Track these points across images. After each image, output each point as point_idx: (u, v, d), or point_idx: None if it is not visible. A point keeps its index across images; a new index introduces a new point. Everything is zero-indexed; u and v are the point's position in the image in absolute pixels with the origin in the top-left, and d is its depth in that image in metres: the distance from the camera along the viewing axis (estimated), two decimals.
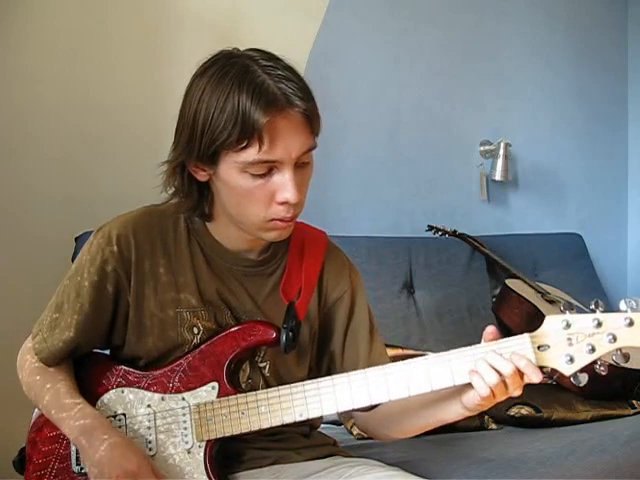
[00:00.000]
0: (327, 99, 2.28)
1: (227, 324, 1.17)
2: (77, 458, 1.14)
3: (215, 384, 1.14)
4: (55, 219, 2.03)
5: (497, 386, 0.98)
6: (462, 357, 1.02)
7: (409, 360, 1.05)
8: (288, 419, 1.09)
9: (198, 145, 1.07)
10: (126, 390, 1.16)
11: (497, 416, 1.86)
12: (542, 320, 1.01)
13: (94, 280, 1.14)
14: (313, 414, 1.08)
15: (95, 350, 1.23)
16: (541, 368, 0.99)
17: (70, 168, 2.07)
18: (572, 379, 0.99)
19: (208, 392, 1.14)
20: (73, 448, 1.15)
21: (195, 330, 1.16)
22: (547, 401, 1.87)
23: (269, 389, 1.11)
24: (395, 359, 1.09)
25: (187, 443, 1.13)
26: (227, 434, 1.11)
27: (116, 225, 1.16)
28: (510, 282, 2.33)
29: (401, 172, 2.58)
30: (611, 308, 0.99)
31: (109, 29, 2.12)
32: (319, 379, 1.09)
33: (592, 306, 0.99)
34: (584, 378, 0.98)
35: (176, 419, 1.14)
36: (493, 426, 1.84)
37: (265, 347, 1.18)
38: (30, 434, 1.21)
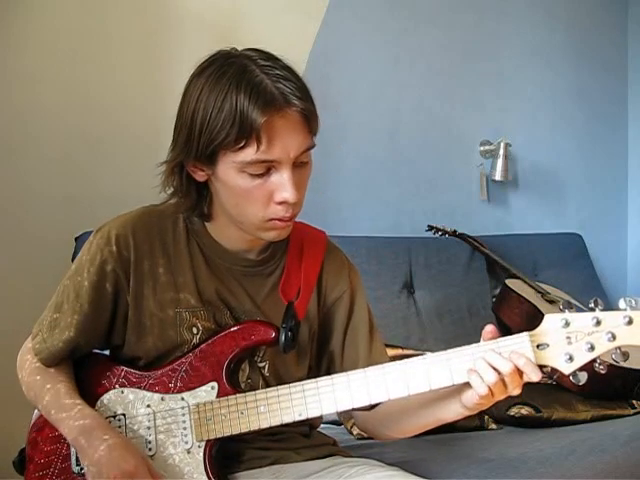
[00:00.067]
0: (327, 99, 2.31)
1: (226, 324, 1.17)
2: (77, 459, 1.14)
3: (214, 384, 1.14)
4: (55, 219, 2.03)
5: (496, 385, 0.98)
6: (461, 356, 1.02)
7: (408, 359, 1.05)
8: (287, 419, 1.09)
9: (196, 145, 1.07)
10: (126, 390, 1.16)
11: (497, 416, 1.86)
12: (542, 320, 1.01)
13: (94, 280, 1.14)
14: (312, 414, 1.09)
15: (95, 351, 1.23)
16: (541, 368, 0.99)
17: (70, 168, 2.07)
18: (571, 378, 0.98)
19: (207, 392, 1.14)
20: (73, 449, 1.15)
21: (194, 330, 1.16)
22: (547, 401, 1.87)
23: (268, 389, 1.11)
24: (395, 359, 1.09)
25: (187, 443, 1.13)
26: (226, 434, 1.11)
27: (115, 225, 1.16)
28: (510, 282, 2.33)
29: (401, 172, 2.58)
30: (611, 308, 0.99)
31: (109, 29, 2.12)
32: (318, 379, 1.09)
33: (591, 305, 0.99)
34: (583, 377, 0.98)
35: (176, 419, 1.14)
36: (493, 426, 1.84)
37: (264, 347, 1.18)
38: (31, 434, 1.21)
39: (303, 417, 1.09)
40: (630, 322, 0.95)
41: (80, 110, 2.08)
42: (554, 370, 0.99)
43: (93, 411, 1.13)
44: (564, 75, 2.91)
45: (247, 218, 1.11)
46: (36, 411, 1.22)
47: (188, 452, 1.12)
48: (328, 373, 1.19)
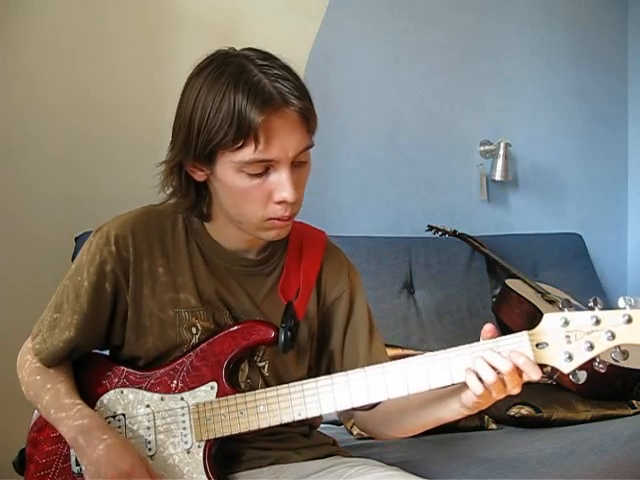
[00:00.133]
0: (327, 99, 2.31)
1: (225, 324, 1.17)
2: (77, 459, 1.14)
3: (214, 384, 1.14)
4: (55, 219, 2.03)
5: (495, 384, 0.98)
6: (460, 355, 1.02)
7: (407, 358, 1.05)
8: (287, 418, 1.09)
9: (195, 145, 1.07)
10: (126, 390, 1.16)
11: (497, 416, 1.86)
12: (541, 319, 1.01)
13: (93, 280, 1.14)
14: (311, 413, 1.09)
15: (95, 351, 1.23)
16: (541, 367, 0.99)
17: (70, 168, 2.07)
18: (571, 377, 0.98)
19: (207, 392, 1.14)
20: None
21: (194, 330, 1.16)
22: (547, 401, 1.87)
23: (267, 389, 1.11)
24: (395, 359, 1.09)
25: (186, 443, 1.13)
26: (226, 434, 1.11)
27: (114, 225, 1.16)
28: (510, 282, 2.33)
29: (401, 172, 2.58)
30: (610, 307, 0.99)
31: (109, 29, 2.12)
32: (317, 378, 1.09)
33: (590, 303, 0.99)
34: (583, 375, 0.98)
35: (175, 419, 1.14)
36: (493, 426, 1.84)
37: (264, 347, 1.18)
38: (31, 434, 1.21)
39: (302, 417, 1.09)
40: (629, 321, 0.95)
41: (80, 110, 2.08)
42: (554, 370, 0.99)
43: (92, 411, 1.13)
44: (564, 75, 2.91)
45: (246, 218, 1.11)
46: (36, 411, 1.22)
47: (188, 452, 1.12)
48: (328, 373, 1.18)
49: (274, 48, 1.12)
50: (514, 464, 1.45)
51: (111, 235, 1.14)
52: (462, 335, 2.19)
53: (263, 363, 1.19)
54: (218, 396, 1.13)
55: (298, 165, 1.09)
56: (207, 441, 1.12)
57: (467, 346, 1.02)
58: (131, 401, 1.15)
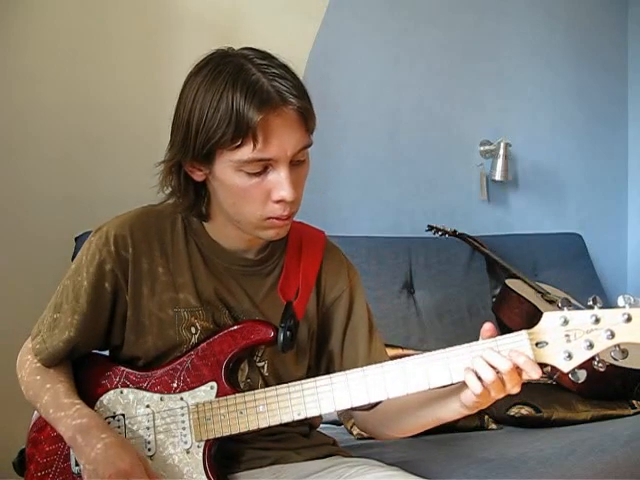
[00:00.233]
0: (327, 99, 2.31)
1: (225, 324, 1.17)
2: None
3: (214, 384, 1.14)
4: (55, 219, 2.03)
5: (494, 383, 0.98)
6: (459, 355, 1.02)
7: (407, 358, 1.05)
8: (286, 418, 1.09)
9: (193, 144, 1.07)
10: (125, 390, 1.16)
11: (497, 416, 1.86)
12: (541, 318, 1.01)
13: (93, 280, 1.14)
14: (311, 413, 1.08)
15: (94, 351, 1.23)
16: (541, 367, 0.99)
17: (70, 168, 2.07)
18: (570, 375, 0.98)
19: (207, 392, 1.14)
20: None
21: (193, 330, 1.16)
22: (547, 401, 1.87)
23: (267, 388, 1.11)
24: (395, 359, 1.09)
25: (186, 443, 1.13)
26: (225, 434, 1.11)
27: (114, 225, 1.16)
28: (510, 282, 2.33)
29: (401, 172, 2.58)
30: (609, 306, 0.99)
31: (109, 29, 2.12)
32: (317, 378, 1.09)
33: (590, 302, 0.99)
34: (582, 374, 0.98)
35: (175, 419, 1.14)
36: (493, 426, 1.84)
37: (263, 346, 1.18)
38: (31, 434, 1.21)
39: (302, 416, 1.09)
40: (629, 319, 0.95)
41: (80, 110, 2.08)
42: (554, 369, 0.99)
43: (91, 411, 1.13)
44: (564, 75, 2.91)
45: (245, 217, 1.11)
46: (36, 411, 1.22)
47: (187, 452, 1.12)
48: (327, 373, 1.18)
49: (274, 48, 1.12)
50: (514, 464, 1.45)
51: (110, 235, 1.14)
52: (462, 335, 2.18)
53: (262, 363, 1.19)
54: (218, 396, 1.13)
55: (297, 164, 1.09)
56: (207, 441, 1.12)
57: (466, 345, 1.02)
58: (131, 401, 1.15)
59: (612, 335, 0.96)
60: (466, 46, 2.70)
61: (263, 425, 1.10)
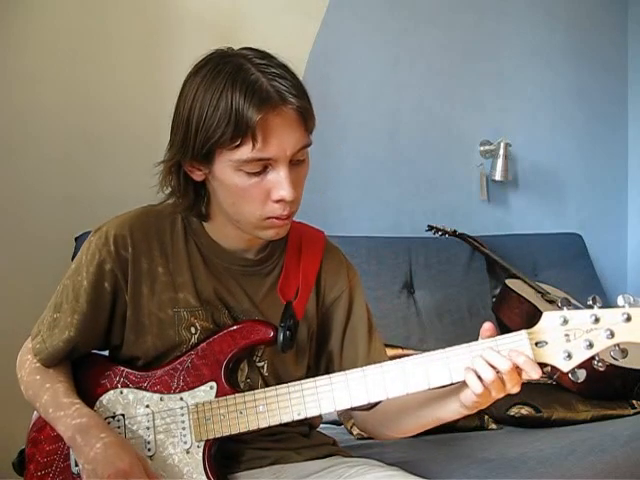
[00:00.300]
0: (327, 99, 2.31)
1: (224, 324, 1.17)
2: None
3: (213, 384, 1.14)
4: (55, 219, 2.03)
5: (494, 383, 0.98)
6: (459, 355, 1.02)
7: (406, 358, 1.05)
8: (286, 418, 1.09)
9: (192, 144, 1.07)
10: (125, 390, 1.16)
11: (497, 416, 1.86)
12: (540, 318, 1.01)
13: (92, 280, 1.14)
14: (311, 413, 1.08)
15: (94, 351, 1.23)
16: (541, 367, 0.99)
17: (70, 168, 2.07)
18: (570, 375, 0.98)
19: (206, 392, 1.14)
20: None
21: (193, 330, 1.16)
22: (547, 401, 1.87)
23: (267, 388, 1.11)
24: (395, 359, 1.09)
25: (186, 443, 1.13)
26: (225, 434, 1.11)
27: (113, 225, 1.16)
28: (510, 282, 2.33)
29: (401, 172, 2.58)
30: (609, 306, 0.99)
31: (109, 29, 2.12)
32: (317, 378, 1.09)
33: (589, 302, 0.99)
34: (582, 374, 0.98)
35: (175, 419, 1.14)
36: (493, 426, 1.84)
37: (263, 346, 1.18)
38: (31, 434, 1.21)
39: (302, 416, 1.09)
40: (629, 319, 0.95)
41: (80, 110, 2.08)
42: (554, 369, 0.99)
43: (91, 410, 1.13)
44: (564, 75, 2.91)
45: (244, 217, 1.11)
46: (36, 411, 1.22)
47: (187, 452, 1.12)
48: (327, 373, 1.18)
49: (274, 48, 1.12)
50: (514, 464, 1.45)
51: (110, 235, 1.14)
52: (462, 335, 2.17)
53: (262, 363, 1.19)
54: (217, 396, 1.13)
55: (296, 164, 1.09)
56: (207, 441, 1.12)
57: (466, 345, 1.02)
58: (130, 401, 1.15)
59: (612, 335, 0.96)
60: (466, 46, 2.70)
61: (263, 425, 1.10)
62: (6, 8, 2.00)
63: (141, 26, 2.16)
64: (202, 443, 1.12)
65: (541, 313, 1.00)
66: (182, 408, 1.14)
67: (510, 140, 2.69)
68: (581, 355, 0.97)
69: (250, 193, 1.08)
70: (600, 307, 0.98)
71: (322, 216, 2.05)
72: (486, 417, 1.84)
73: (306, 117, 1.07)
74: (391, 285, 2.26)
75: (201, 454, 1.12)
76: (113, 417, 1.15)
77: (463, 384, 1.01)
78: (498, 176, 2.68)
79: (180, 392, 1.14)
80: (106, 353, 1.24)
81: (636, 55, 3.02)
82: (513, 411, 1.84)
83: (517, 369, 0.98)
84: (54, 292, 1.20)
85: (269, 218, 1.10)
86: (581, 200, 2.95)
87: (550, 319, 1.00)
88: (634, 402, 1.94)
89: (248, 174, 1.06)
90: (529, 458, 1.48)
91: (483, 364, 0.98)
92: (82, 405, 1.12)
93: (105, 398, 1.16)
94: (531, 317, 2.13)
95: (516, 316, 2.23)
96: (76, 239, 1.92)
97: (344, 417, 1.78)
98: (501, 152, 2.66)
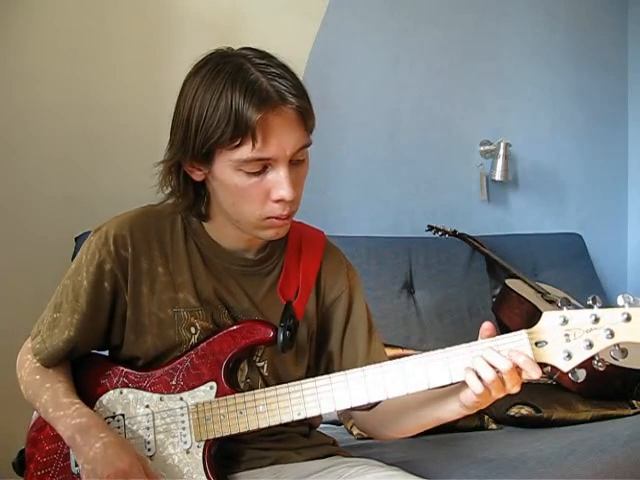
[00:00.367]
0: (327, 99, 2.31)
1: (224, 323, 1.17)
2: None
3: (213, 384, 1.14)
4: (55, 219, 2.03)
5: (494, 383, 0.98)
6: (459, 354, 1.02)
7: (406, 358, 1.05)
8: (286, 418, 1.09)
9: (192, 144, 1.07)
10: (125, 390, 1.16)
11: (497, 416, 1.86)
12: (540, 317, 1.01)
13: (92, 279, 1.14)
14: (311, 413, 1.08)
15: (94, 351, 1.23)
16: (541, 367, 0.99)
17: (70, 168, 2.07)
18: (570, 375, 0.98)
19: (206, 392, 1.14)
20: None
21: (192, 330, 1.16)
22: (547, 401, 1.87)
23: (267, 388, 1.11)
24: (394, 359, 1.09)
25: (186, 443, 1.12)
26: (225, 434, 1.11)
27: (113, 225, 1.16)
28: (510, 282, 2.33)
29: (401, 172, 2.58)
30: (609, 306, 0.99)
31: (109, 29, 2.12)
32: (317, 378, 1.09)
33: (589, 302, 0.99)
34: (582, 374, 0.98)
35: (175, 419, 1.14)
36: (493, 426, 1.84)
37: (263, 346, 1.18)
38: (31, 433, 1.21)
39: (302, 416, 1.09)
40: (628, 319, 0.95)
41: (80, 110, 2.08)
42: (554, 369, 0.99)
43: (90, 410, 1.13)
44: (564, 75, 2.91)
45: (244, 217, 1.11)
46: (35, 411, 1.22)
47: (187, 452, 1.12)
48: (327, 373, 1.18)
49: (274, 48, 1.12)
50: (514, 464, 1.45)
51: (110, 235, 1.14)
52: (462, 335, 2.16)
53: (262, 363, 1.19)
54: (217, 396, 1.13)
55: (296, 164, 1.09)
56: (207, 441, 1.12)
57: (466, 345, 1.02)
58: (130, 401, 1.15)
59: (612, 334, 0.96)
60: (466, 46, 2.70)
61: (263, 425, 1.10)
62: (6, 8, 2.00)
63: (141, 26, 2.16)
64: (202, 443, 1.12)
65: (541, 313, 1.00)
66: (182, 408, 1.13)
67: (510, 140, 2.69)
68: (581, 355, 0.97)
69: (250, 193, 1.08)
70: (600, 307, 0.98)
71: (322, 216, 2.05)
72: (486, 417, 1.84)
73: (306, 117, 1.07)
74: (391, 285, 2.26)
75: (201, 454, 1.12)
76: (113, 417, 1.15)
77: (463, 384, 1.01)
78: (498, 176, 2.68)
79: (180, 392, 1.14)
80: (106, 353, 1.24)
81: (636, 55, 3.02)
82: (513, 411, 1.84)
83: (517, 369, 0.98)
84: (54, 292, 1.20)
85: (269, 218, 1.10)
86: (581, 200, 2.95)
87: (550, 319, 1.00)
88: (634, 402, 1.94)
89: (248, 174, 1.06)
90: (529, 458, 1.48)
91: (483, 364, 0.98)
92: (82, 405, 1.12)
93: (105, 398, 1.16)
94: (531, 317, 2.13)
95: (516, 316, 2.23)
96: (76, 239, 1.92)
97: (344, 417, 1.78)
98: (501, 152, 2.66)
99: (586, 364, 0.98)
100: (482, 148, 2.72)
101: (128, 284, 1.15)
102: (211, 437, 1.12)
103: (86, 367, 1.20)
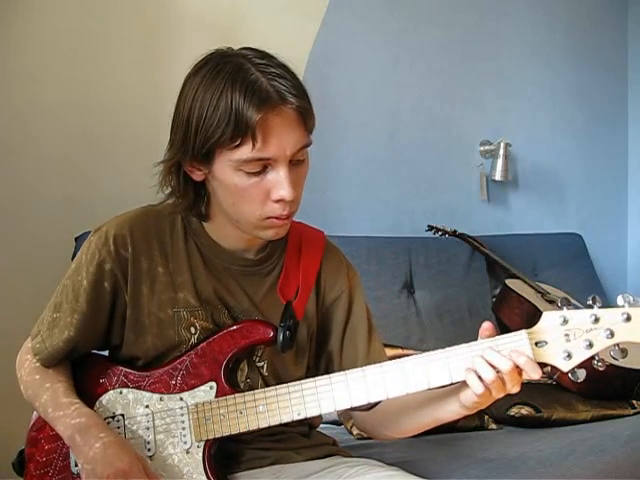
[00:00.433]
0: (327, 99, 2.31)
1: (224, 323, 1.17)
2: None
3: (213, 384, 1.14)
4: (55, 219, 2.03)
5: (495, 383, 0.98)
6: (459, 355, 1.02)
7: (406, 358, 1.05)
8: (286, 418, 1.09)
9: (192, 144, 1.07)
10: (125, 390, 1.16)
11: (497, 416, 1.86)
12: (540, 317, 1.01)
13: (92, 279, 1.14)
14: (311, 413, 1.08)
15: (94, 351, 1.23)
16: (542, 367, 0.99)
17: (70, 168, 2.07)
18: (570, 375, 0.98)
19: (206, 392, 1.14)
20: None
21: (192, 330, 1.16)
22: (547, 401, 1.87)
23: (267, 388, 1.11)
24: (394, 359, 1.09)
25: (186, 443, 1.12)
26: (225, 434, 1.11)
27: (113, 225, 1.16)
28: (510, 282, 2.33)
29: (401, 172, 2.58)
30: (609, 306, 0.99)
31: (109, 29, 2.12)
32: (317, 378, 1.09)
33: (589, 302, 0.99)
34: (582, 374, 0.98)
35: (174, 419, 1.14)
36: (493, 426, 1.84)
37: (263, 346, 1.18)
38: (30, 433, 1.21)
39: (302, 416, 1.09)
40: (628, 319, 0.95)
41: (80, 110, 2.08)
42: (554, 369, 0.99)
43: (90, 410, 1.13)
44: (564, 75, 2.91)
45: (244, 217, 1.11)
46: (35, 411, 1.22)
47: (187, 452, 1.12)
48: (326, 373, 1.18)
49: (274, 48, 1.12)
50: (514, 464, 1.45)
51: (110, 235, 1.14)
52: (462, 335, 2.16)
53: (262, 363, 1.19)
54: (217, 396, 1.13)
55: (296, 164, 1.09)
56: (206, 441, 1.12)
57: (466, 345, 1.02)
58: (130, 401, 1.15)
59: (611, 334, 0.96)
60: (466, 46, 2.70)
61: (263, 425, 1.10)
62: (6, 8, 2.00)
63: (141, 26, 2.16)
64: (202, 443, 1.12)
65: (541, 313, 1.00)
66: (182, 408, 1.13)
67: (510, 140, 2.69)
68: (581, 355, 0.97)
69: (250, 193, 1.08)
70: (600, 307, 0.98)
71: (322, 216, 2.05)
72: (486, 417, 1.84)
73: (306, 117, 1.07)
74: (391, 285, 2.26)
75: (201, 454, 1.12)
76: (113, 417, 1.15)
77: (463, 384, 1.01)
78: (498, 176, 2.68)
79: (180, 392, 1.14)
80: (106, 353, 1.24)
81: (636, 55, 3.02)
82: (513, 411, 1.84)
83: (517, 369, 0.98)
84: (54, 292, 1.20)
85: (269, 218, 1.10)
86: (581, 200, 2.95)
87: (550, 319, 1.00)
88: (634, 402, 1.94)
89: (248, 174, 1.07)
90: (529, 458, 1.48)
91: (484, 364, 0.98)
92: (81, 405, 1.12)
93: (105, 398, 1.16)
94: (531, 317, 2.13)
95: (516, 316, 2.23)
96: (76, 239, 1.92)
97: (344, 417, 1.78)
98: (501, 152, 2.66)
99: (586, 364, 0.98)
100: (482, 148, 2.73)
101: (128, 284, 1.15)
102: (211, 437, 1.12)
103: (86, 367, 1.20)
